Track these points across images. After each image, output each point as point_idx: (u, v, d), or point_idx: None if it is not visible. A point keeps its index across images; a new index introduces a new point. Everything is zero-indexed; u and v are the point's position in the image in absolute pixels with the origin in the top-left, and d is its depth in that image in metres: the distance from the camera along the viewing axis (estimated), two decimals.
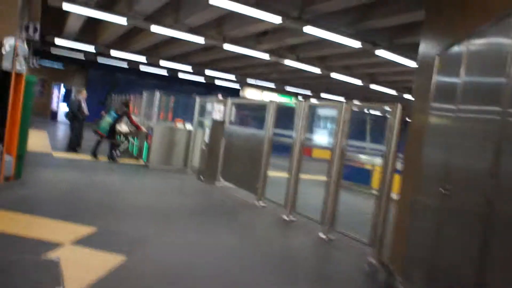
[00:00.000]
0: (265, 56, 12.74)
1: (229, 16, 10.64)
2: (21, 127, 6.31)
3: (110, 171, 8.54)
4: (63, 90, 21.83)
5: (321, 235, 5.43)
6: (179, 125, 10.41)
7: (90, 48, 16.12)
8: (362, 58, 12.31)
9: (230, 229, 5.36)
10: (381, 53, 10.12)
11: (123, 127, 10.22)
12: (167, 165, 10.01)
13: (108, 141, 9.95)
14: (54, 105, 21.51)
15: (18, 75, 5.97)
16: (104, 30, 14.20)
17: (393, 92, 18.40)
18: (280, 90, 23.39)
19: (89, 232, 4.30)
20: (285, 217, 6.26)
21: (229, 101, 8.70)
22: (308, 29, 8.97)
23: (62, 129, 17.71)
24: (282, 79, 20.58)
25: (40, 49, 19.05)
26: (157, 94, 10.37)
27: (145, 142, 10.31)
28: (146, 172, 9.21)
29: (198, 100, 10.06)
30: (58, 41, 15.29)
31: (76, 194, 6.10)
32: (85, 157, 9.69)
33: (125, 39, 15.93)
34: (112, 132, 9.82)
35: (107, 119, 10.09)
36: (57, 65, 21.76)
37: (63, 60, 20.95)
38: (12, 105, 5.91)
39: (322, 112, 17.99)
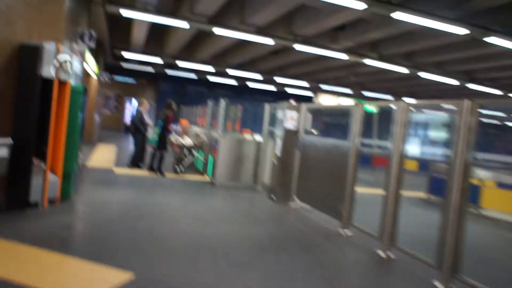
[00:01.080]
0: (342, 56, 11.21)
1: (299, 10, 9.37)
2: (69, 142, 5.55)
3: (170, 190, 7.61)
4: (135, 104, 22.12)
5: (438, 285, 3.84)
6: (247, 136, 9.29)
7: (158, 60, 15.82)
8: (462, 50, 10.24)
9: (311, 275, 3.96)
10: (494, 40, 8.09)
11: (187, 140, 9.32)
12: (235, 182, 8.90)
13: (159, 153, 9.11)
14: (126, 119, 21.83)
15: (62, 83, 5.21)
16: (169, 40, 13.72)
17: (497, 91, 15.66)
18: (357, 96, 21.49)
19: (124, 280, 3.19)
20: (381, 253, 4.72)
21: (304, 106, 7.36)
22: (398, 15, 7.35)
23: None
24: (360, 83, 18.75)
25: (112, 64, 19.41)
26: (223, 103, 9.36)
27: (210, 156, 9.32)
28: (210, 191, 8.16)
29: (267, 107, 8.85)
30: (126, 54, 15.17)
31: (123, 222, 5.12)
32: (153, 174, 8.94)
33: (190, 48, 15.40)
34: (162, 142, 8.97)
35: (156, 130, 9.30)
36: (129, 80, 22.16)
37: (135, 74, 21.22)
38: (55, 117, 5.14)
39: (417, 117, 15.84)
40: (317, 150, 6.91)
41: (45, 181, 5.08)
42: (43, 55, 4.83)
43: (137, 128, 9.28)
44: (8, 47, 4.76)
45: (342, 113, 6.89)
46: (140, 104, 9.49)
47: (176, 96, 22.42)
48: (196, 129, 12.14)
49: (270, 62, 15.80)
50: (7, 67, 4.77)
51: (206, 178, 9.28)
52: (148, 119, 9.43)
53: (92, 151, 11.74)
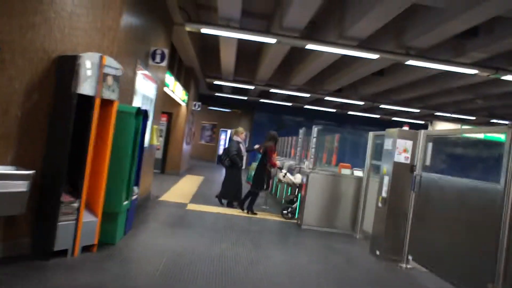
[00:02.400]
0: (469, 71, 8.84)
1: (413, 15, 7.49)
2: (115, 174, 4.49)
3: (245, 234, 6.15)
4: (229, 134, 21.68)
5: None
6: (345, 171, 7.51)
7: (250, 87, 14.96)
8: None
9: None
10: None
11: (297, 178, 7.77)
12: (328, 227, 7.15)
13: (254, 190, 7.77)
14: (220, 150, 21.43)
15: (106, 102, 4.20)
16: (260, 65, 12.72)
17: None
18: (483, 123, 18.01)
19: None
20: None
21: (423, 133, 5.42)
22: None
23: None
24: (489, 107, 15.55)
25: (207, 94, 19.24)
26: (315, 131, 7.78)
27: (298, 193, 7.73)
28: (295, 238, 6.52)
29: (371, 136, 7.02)
30: (218, 82, 14.61)
31: (169, 284, 3.76)
32: (231, 211, 7.66)
33: (283, 74, 14.23)
34: (259, 179, 7.63)
35: (254, 165, 8.02)
36: (223, 110, 21.91)
37: (229, 104, 20.85)
38: (95, 143, 4.12)
39: None
40: (443, 192, 4.89)
41: (78, 223, 4.01)
42: (81, 68, 3.87)
43: (231, 160, 8.03)
44: (45, 58, 3.91)
45: (477, 143, 4.81)
46: (235, 133, 8.30)
47: (272, 126, 21.44)
48: (283, 160, 10.69)
49: (374, 86, 13.82)
50: (42, 82, 3.90)
51: (292, 219, 7.68)
52: (244, 151, 8.24)
53: (174, 183, 10.98)
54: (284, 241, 6.33)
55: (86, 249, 4.16)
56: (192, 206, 7.74)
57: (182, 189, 9.95)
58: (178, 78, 11.46)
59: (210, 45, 12.42)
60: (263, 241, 5.97)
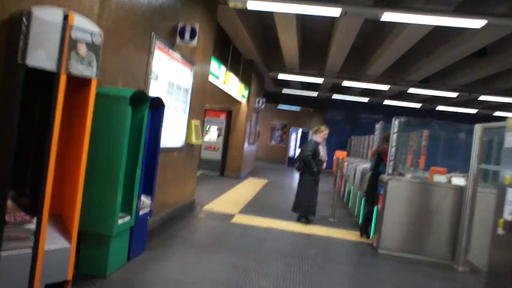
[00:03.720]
0: None
1: None
2: (101, 182, 3.24)
3: (298, 263, 4.55)
4: (300, 134, 20.05)
5: None
6: (439, 178, 5.54)
7: (319, 80, 13.23)
8: None
9: None
10: None
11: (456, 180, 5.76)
12: (415, 253, 5.29)
13: (369, 209, 5.99)
14: (291, 151, 19.89)
15: (80, 81, 2.94)
16: (327, 52, 10.95)
17: None
18: None
19: None
20: None
21: None
22: None
23: (292, 179, 15.27)
24: None
25: (274, 91, 17.84)
26: (395, 124, 5.91)
27: (374, 206, 5.93)
28: (369, 267, 4.77)
29: (479, 129, 5.01)
30: (282, 76, 13.11)
31: None
32: (287, 225, 6.12)
33: (357, 62, 12.28)
34: (372, 192, 5.84)
35: (367, 176, 6.35)
36: (293, 108, 20.36)
37: (299, 101, 19.23)
38: (69, 139, 2.88)
39: None
40: None
41: (38, 252, 2.79)
42: (31, 29, 2.64)
43: (304, 162, 6.41)
44: None
45: None
46: (315, 131, 6.66)
47: (347, 124, 19.39)
48: (356, 163, 8.82)
49: (472, 71, 11.26)
50: None
51: (366, 238, 5.91)
52: (324, 154, 6.55)
53: (230, 187, 9.70)
54: (353, 272, 4.61)
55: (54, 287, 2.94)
56: (239, 218, 6.32)
57: (236, 195, 8.62)
58: (234, 70, 10.20)
59: (271, 36, 11.01)
60: (322, 274, 4.33)
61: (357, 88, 15.34)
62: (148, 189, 4.08)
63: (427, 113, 18.03)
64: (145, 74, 4.32)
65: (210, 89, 11.56)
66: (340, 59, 11.39)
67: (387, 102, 17.04)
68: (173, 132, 5.50)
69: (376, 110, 18.26)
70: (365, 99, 17.02)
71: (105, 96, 3.30)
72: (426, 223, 5.30)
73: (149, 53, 4.37)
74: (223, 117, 12.11)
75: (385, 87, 13.15)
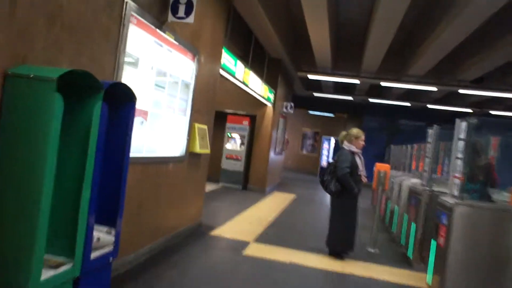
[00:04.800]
0: None
1: None
2: (6, 209, 2.03)
3: None
4: (333, 142, 18.47)
5: None
6: None
7: (354, 81, 11.75)
8: None
9: None
10: None
11: None
12: None
13: None
14: (323, 161, 18.36)
15: None
16: (364, 48, 9.50)
17: None
18: None
19: None
20: None
21: None
22: None
23: (323, 193, 13.74)
24: None
25: (305, 96, 16.46)
26: (462, 127, 4.40)
27: (432, 239, 4.43)
28: None
29: None
30: (313, 76, 11.75)
31: None
32: (315, 261, 4.74)
33: (398, 60, 10.73)
34: None
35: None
36: (326, 114, 18.87)
37: (332, 106, 17.72)
38: None
39: None
40: None
41: None
42: None
43: (340, 182, 4.73)
44: None
45: None
46: (346, 137, 5.05)
47: (384, 132, 17.67)
48: (400, 176, 7.27)
49: None
50: None
51: (418, 277, 4.42)
52: (362, 166, 4.95)
53: (251, 204, 8.39)
54: None
55: None
56: (255, 249, 4.99)
57: (257, 215, 7.29)
58: (256, 69, 8.95)
59: (299, 29, 9.71)
60: None
61: (398, 90, 13.71)
62: (110, 217, 2.85)
63: (482, 118, 16.05)
64: (115, 57, 3.12)
65: (230, 90, 10.49)
66: (378, 56, 9.91)
67: (432, 106, 15.22)
68: (166, 138, 4.28)
69: (418, 115, 16.49)
70: (407, 103, 15.29)
71: (21, 78, 2.10)
72: (508, 267, 3.78)
73: (121, 27, 3.16)
74: (246, 123, 10.86)
75: (431, 88, 11.47)
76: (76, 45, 2.67)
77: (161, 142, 4.14)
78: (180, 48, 4.33)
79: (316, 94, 15.87)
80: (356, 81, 11.66)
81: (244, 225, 6.31)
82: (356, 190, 4.71)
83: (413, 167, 9.20)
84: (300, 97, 16.31)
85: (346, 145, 4.90)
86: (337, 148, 18.23)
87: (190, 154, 4.93)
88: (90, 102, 2.42)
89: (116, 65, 3.13)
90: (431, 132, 5.40)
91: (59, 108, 2.12)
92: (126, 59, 3.28)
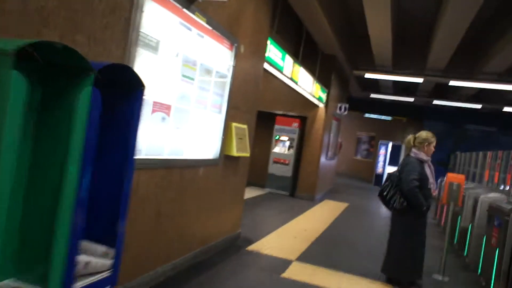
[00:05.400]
0: None
1: None
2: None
3: None
4: (390, 148, 17.09)
5: None
6: None
7: (418, 79, 10.58)
8: None
9: None
10: None
11: None
12: None
13: None
14: (379, 167, 17.07)
15: None
16: (431, 43, 8.37)
17: None
18: None
19: None
20: None
21: None
22: None
23: (381, 207, 12.63)
24: None
25: (361, 97, 15.37)
26: None
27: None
28: None
29: None
30: (370, 75, 10.74)
31: None
32: None
33: (470, 55, 9.46)
34: None
35: None
36: (383, 117, 17.58)
37: (390, 109, 16.42)
38: None
39: None
40: None
41: None
42: None
43: (407, 198, 3.82)
44: None
45: None
46: (414, 143, 4.10)
47: (449, 137, 16.08)
48: (473, 189, 6.14)
49: None
50: None
51: None
52: (433, 178, 4.05)
53: (298, 213, 7.62)
54: None
55: None
56: (297, 270, 4.25)
57: (303, 226, 6.53)
58: (308, 66, 8.19)
59: (357, 22, 8.82)
60: None
61: (467, 91, 12.25)
62: (108, 234, 2.28)
63: None
64: (125, 37, 2.55)
65: (278, 89, 9.81)
66: (448, 51, 8.75)
67: (508, 109, 13.49)
68: (195, 138, 3.68)
69: (489, 119, 14.78)
70: (477, 106, 13.70)
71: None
72: None
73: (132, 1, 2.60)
74: (295, 125, 10.12)
75: (509, 87, 10.01)
76: (69, 17, 2.12)
77: (188, 142, 3.55)
78: (214, 34, 3.72)
79: (373, 96, 14.74)
80: (419, 80, 10.48)
81: (288, 239, 5.58)
82: (425, 207, 3.80)
83: (486, 178, 7.98)
84: (355, 99, 15.25)
85: (413, 152, 3.99)
86: (395, 153, 16.89)
87: (226, 157, 4.30)
88: (78, 88, 1.86)
89: (127, 47, 2.57)
90: None
91: (17, 90, 1.55)
92: (142, 40, 2.72)
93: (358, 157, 20.59)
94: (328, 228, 6.72)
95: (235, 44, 4.14)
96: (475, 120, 15.43)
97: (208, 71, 3.72)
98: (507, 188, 6.16)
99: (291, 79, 6.80)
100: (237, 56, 4.21)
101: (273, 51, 5.67)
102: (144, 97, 2.29)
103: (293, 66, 6.84)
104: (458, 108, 14.56)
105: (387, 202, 3.90)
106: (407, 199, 3.77)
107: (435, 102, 14.04)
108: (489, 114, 14.75)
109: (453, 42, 8.11)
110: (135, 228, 2.97)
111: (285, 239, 5.55)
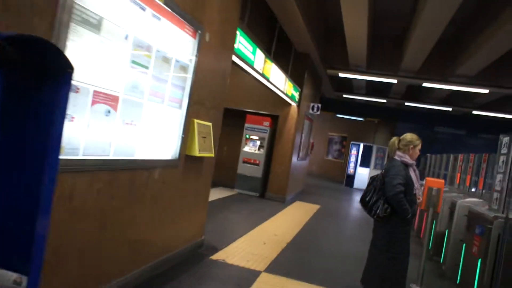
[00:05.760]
0: None
1: None
2: None
3: None
4: (362, 149, 17.01)
5: None
6: None
7: (391, 80, 10.43)
8: None
9: None
10: None
11: None
12: None
13: None
14: (350, 168, 16.97)
15: None
16: (406, 44, 8.18)
17: None
18: None
19: None
20: None
21: None
22: None
23: (350, 204, 12.47)
24: None
25: (333, 98, 15.20)
26: None
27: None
28: None
29: None
30: (344, 74, 10.50)
31: None
32: None
33: (445, 58, 9.37)
34: None
35: None
36: (355, 118, 17.52)
37: (362, 110, 16.34)
38: None
39: None
40: None
41: None
42: None
43: (395, 207, 3.43)
44: None
45: None
46: (398, 145, 3.69)
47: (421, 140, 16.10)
48: (454, 195, 5.93)
49: None
50: None
51: None
52: (418, 183, 3.63)
53: (268, 216, 7.23)
54: None
55: None
56: (266, 283, 3.83)
57: (274, 230, 6.14)
58: (280, 63, 7.82)
59: (332, 19, 8.54)
60: None
61: (439, 93, 12.25)
62: (23, 257, 1.78)
63: None
64: (54, 4, 2.05)
65: (249, 86, 9.40)
66: (422, 53, 8.61)
67: (477, 112, 13.63)
68: (150, 136, 3.20)
69: (460, 123, 14.92)
70: (448, 108, 13.77)
71: None
72: None
73: None
74: (266, 124, 9.73)
75: (482, 90, 10.01)
76: None
77: (141, 141, 3.07)
78: (174, 17, 3.25)
79: (346, 96, 14.58)
80: (393, 81, 10.32)
81: (257, 245, 5.17)
82: (409, 215, 3.46)
83: (457, 180, 7.87)
84: (327, 99, 15.05)
85: (398, 155, 3.62)
86: (366, 154, 16.71)
87: (187, 158, 3.84)
88: None
89: (56, 20, 2.07)
90: (506, 140, 4.10)
91: None
92: (78, 15, 2.22)
93: (330, 157, 20.49)
94: (299, 233, 6.36)
95: (199, 31, 3.68)
96: (445, 123, 15.57)
97: (166, 60, 3.25)
98: (481, 191, 6.01)
99: (263, 74, 6.39)
100: (201, 45, 3.76)
101: (243, 44, 5.24)
102: (72, 81, 1.81)
103: (265, 62, 6.43)
104: (429, 111, 14.62)
105: (369, 209, 3.53)
106: (391, 205, 3.41)
107: (408, 103, 14.03)
108: (459, 117, 14.90)
109: (428, 45, 7.96)
110: (72, 245, 2.47)
111: (253, 245, 5.14)
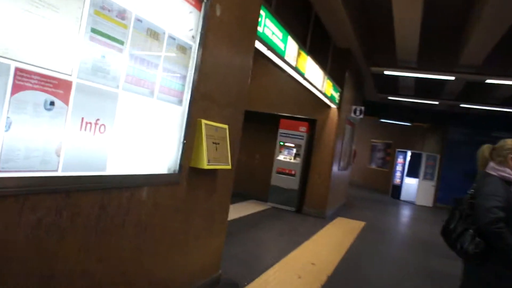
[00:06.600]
0: None
1: None
2: None
3: None
4: (409, 157, 15.44)
5: None
6: None
7: (447, 77, 9.07)
8: None
9: None
10: None
11: None
12: None
13: None
14: (396, 178, 15.45)
15: None
16: (468, 34, 6.88)
17: None
18: None
19: None
20: None
21: None
22: None
23: (402, 219, 11.09)
24: None
25: (377, 102, 13.86)
26: None
27: None
28: None
29: None
30: (391, 72, 9.27)
31: None
32: None
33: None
34: None
35: None
36: (402, 123, 16.01)
37: (410, 114, 14.83)
38: None
39: None
40: None
41: None
42: None
43: (493, 241, 2.21)
44: None
45: None
46: (495, 153, 2.44)
47: (475, 146, 14.36)
48: None
49: None
50: None
51: None
52: None
53: (305, 237, 6.13)
54: None
55: None
56: None
57: (309, 259, 5.04)
58: (317, 57, 6.75)
59: (378, 11, 7.39)
60: None
61: (504, 91, 10.68)
62: None
63: None
64: None
65: (283, 88, 8.39)
66: (486, 45, 7.26)
67: None
68: (130, 141, 2.27)
69: None
70: (510, 109, 12.06)
71: None
72: None
73: None
74: (303, 129, 8.67)
75: None
76: None
77: (116, 149, 2.15)
78: None
79: (391, 98, 13.21)
80: (451, 78, 8.96)
81: (290, 280, 4.12)
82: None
83: None
84: (369, 102, 13.70)
85: (493, 167, 2.44)
86: (414, 162, 15.14)
87: (193, 171, 2.88)
88: None
89: None
90: None
91: None
92: None
93: (373, 166, 19.02)
94: (343, 260, 5.23)
95: (205, 1, 2.74)
96: (506, 127, 13.75)
97: (153, 34, 2.32)
98: None
99: (296, 69, 5.36)
100: (209, 20, 2.81)
101: (270, 28, 4.26)
102: None
103: (299, 54, 5.41)
104: (489, 112, 12.93)
105: (453, 243, 2.37)
106: (486, 238, 2.25)
107: (463, 105, 12.46)
108: None
109: (494, 36, 6.65)
110: None
111: (285, 280, 4.09)
